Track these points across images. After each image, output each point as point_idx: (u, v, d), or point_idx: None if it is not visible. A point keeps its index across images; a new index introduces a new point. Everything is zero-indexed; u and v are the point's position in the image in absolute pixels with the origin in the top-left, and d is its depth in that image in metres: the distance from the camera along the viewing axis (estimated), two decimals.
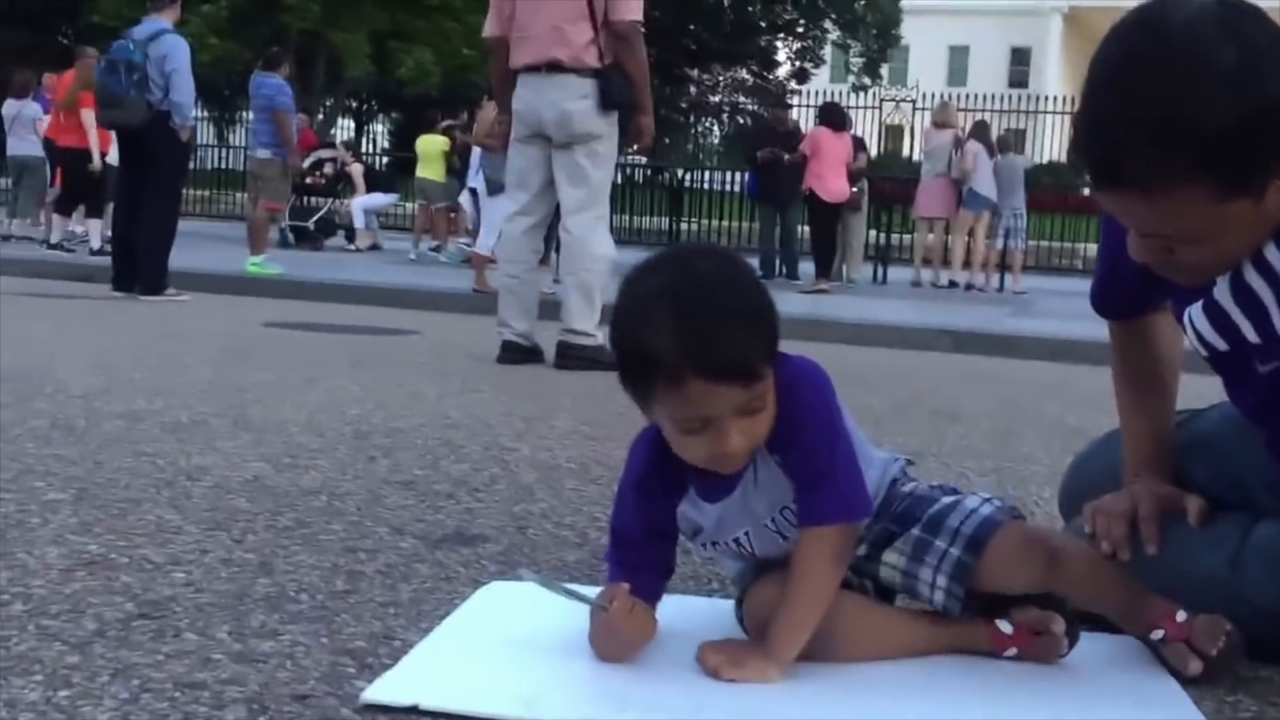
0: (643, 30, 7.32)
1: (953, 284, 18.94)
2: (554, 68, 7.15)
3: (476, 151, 14.58)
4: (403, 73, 37.62)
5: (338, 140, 30.78)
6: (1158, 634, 2.35)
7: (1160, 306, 2.65)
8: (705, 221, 24.91)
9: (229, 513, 3.26)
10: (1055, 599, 2.35)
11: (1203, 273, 2.24)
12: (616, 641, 2.23)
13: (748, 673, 2.14)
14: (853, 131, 19.01)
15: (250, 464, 3.93)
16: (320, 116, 37.28)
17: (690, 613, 2.48)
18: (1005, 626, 2.36)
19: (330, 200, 22.42)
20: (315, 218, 21.65)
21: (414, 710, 1.96)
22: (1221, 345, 2.35)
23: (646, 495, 2.29)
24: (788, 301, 11.25)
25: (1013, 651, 2.36)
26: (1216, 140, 1.93)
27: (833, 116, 17.43)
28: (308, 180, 21.36)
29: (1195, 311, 2.37)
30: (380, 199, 22.94)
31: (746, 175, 19.82)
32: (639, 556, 2.32)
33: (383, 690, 2.02)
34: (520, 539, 3.20)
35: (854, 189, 17.57)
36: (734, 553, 2.36)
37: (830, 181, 16.66)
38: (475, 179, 14.63)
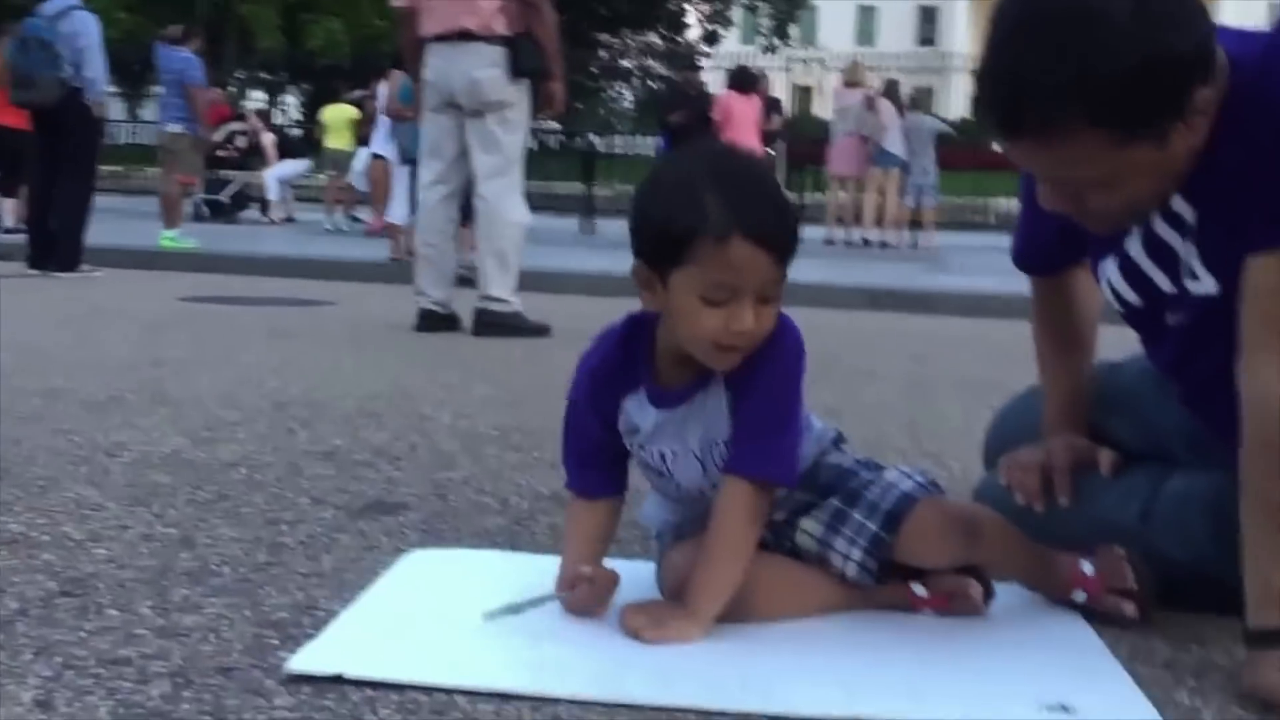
0: None
1: (866, 241, 19.04)
2: (464, 36, 7.12)
3: (383, 119, 14.55)
4: (313, 44, 37.40)
5: (249, 111, 30.53)
6: (1079, 596, 2.40)
7: (1080, 262, 2.66)
8: (619, 186, 24.81)
9: (149, 488, 3.25)
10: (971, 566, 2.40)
11: (1113, 220, 2.26)
12: (589, 608, 2.28)
13: (669, 633, 2.16)
14: (767, 93, 19.02)
15: (169, 439, 3.91)
16: (231, 89, 37.02)
17: None
18: (920, 590, 2.40)
19: (238, 172, 22.16)
20: (228, 190, 21.48)
21: (338, 679, 1.96)
22: (1135, 300, 2.38)
23: (605, 381, 2.31)
24: None
25: (929, 611, 2.40)
26: (1112, 86, 1.95)
27: (740, 81, 17.47)
28: (220, 153, 21.17)
29: (1110, 268, 2.40)
30: (292, 166, 22.75)
31: (659, 139, 19.80)
32: (595, 447, 2.36)
33: (306, 660, 2.02)
34: (441, 506, 3.20)
35: (768, 150, 17.60)
36: (655, 468, 2.35)
37: (744, 146, 16.68)
38: (384, 146, 14.61)
